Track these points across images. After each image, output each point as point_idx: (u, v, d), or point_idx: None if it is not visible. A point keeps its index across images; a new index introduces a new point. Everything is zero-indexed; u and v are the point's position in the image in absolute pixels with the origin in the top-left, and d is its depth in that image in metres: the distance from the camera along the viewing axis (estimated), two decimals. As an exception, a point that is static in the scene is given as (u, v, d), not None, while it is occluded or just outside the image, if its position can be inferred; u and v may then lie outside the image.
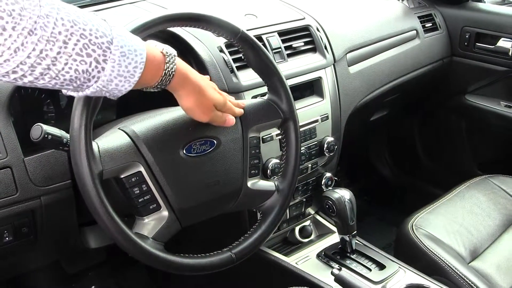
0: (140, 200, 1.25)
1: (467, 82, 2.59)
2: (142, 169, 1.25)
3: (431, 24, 2.49)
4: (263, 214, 1.43)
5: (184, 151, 1.30)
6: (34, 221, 1.48)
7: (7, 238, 1.45)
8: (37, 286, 2.15)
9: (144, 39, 1.16)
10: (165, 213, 1.28)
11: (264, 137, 1.68)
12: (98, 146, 1.20)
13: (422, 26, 2.44)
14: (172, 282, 2.27)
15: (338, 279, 1.53)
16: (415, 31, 2.40)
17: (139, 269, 2.36)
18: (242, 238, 1.38)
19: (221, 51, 1.69)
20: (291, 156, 1.46)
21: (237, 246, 1.36)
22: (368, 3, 2.39)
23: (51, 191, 1.45)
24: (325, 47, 1.95)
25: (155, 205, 1.27)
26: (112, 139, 1.25)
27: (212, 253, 1.32)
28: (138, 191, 1.25)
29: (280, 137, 1.57)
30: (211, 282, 2.08)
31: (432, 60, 2.49)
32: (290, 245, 1.94)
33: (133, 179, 1.24)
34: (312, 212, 2.01)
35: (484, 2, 2.59)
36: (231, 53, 1.70)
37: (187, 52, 1.66)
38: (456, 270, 1.71)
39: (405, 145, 2.97)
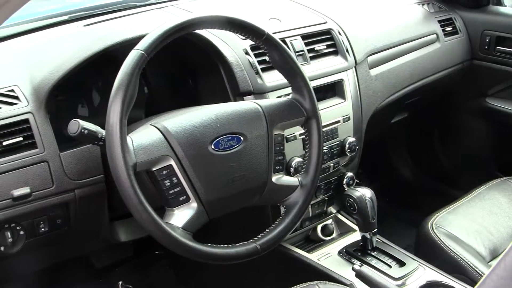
0: (170, 192, 1.32)
1: (487, 85, 2.61)
2: (172, 162, 1.32)
3: (451, 28, 2.51)
4: (286, 208, 1.49)
5: (212, 146, 1.37)
6: (68, 213, 1.55)
7: (43, 229, 1.53)
8: (66, 279, 2.22)
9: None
10: (194, 204, 1.34)
11: (287, 136, 1.73)
12: (132, 140, 1.27)
13: (442, 30, 2.47)
14: (195, 278, 2.32)
15: (359, 275, 1.57)
16: (435, 35, 2.43)
17: (164, 265, 2.42)
18: (267, 230, 1.44)
19: (247, 53, 1.76)
20: (314, 152, 1.51)
21: (262, 238, 1.41)
22: (389, 7, 2.43)
23: (84, 185, 1.53)
24: (347, 50, 2.00)
25: (184, 197, 1.34)
26: (145, 134, 1.33)
27: (238, 244, 1.38)
28: (168, 184, 1.32)
29: (303, 136, 1.64)
30: (234, 277, 2.13)
31: (452, 63, 2.51)
32: (312, 242, 1.99)
33: (164, 172, 1.31)
34: (334, 211, 2.05)
35: (505, 6, 2.61)
36: (256, 55, 1.76)
37: (214, 55, 1.73)
38: (476, 268, 1.74)
39: (426, 147, 2.99)
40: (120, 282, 2.30)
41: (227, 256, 1.36)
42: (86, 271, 2.29)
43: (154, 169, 1.31)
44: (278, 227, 1.45)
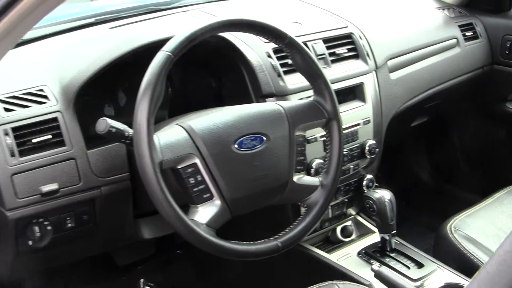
0: (194, 189, 1.36)
1: (508, 89, 2.62)
2: (197, 161, 1.36)
3: (471, 33, 2.52)
4: (307, 207, 1.52)
5: (236, 146, 1.41)
6: (94, 210, 1.60)
7: (69, 225, 1.58)
8: (89, 276, 2.28)
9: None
10: (217, 202, 1.38)
11: (308, 138, 1.76)
12: (158, 138, 1.32)
13: (463, 34, 2.48)
14: (216, 277, 2.37)
15: (378, 275, 1.59)
16: (455, 40, 2.44)
17: (185, 265, 2.46)
18: (287, 228, 1.47)
19: (269, 56, 1.79)
20: (335, 153, 1.54)
21: (282, 236, 1.45)
22: (409, 12, 2.46)
23: (110, 182, 1.58)
24: (367, 54, 2.03)
25: (208, 194, 1.38)
26: (171, 133, 1.38)
27: (259, 241, 1.42)
28: (193, 181, 1.36)
29: (324, 138, 1.67)
30: (254, 276, 2.16)
31: (473, 68, 2.52)
32: (332, 244, 2.02)
33: (189, 170, 1.35)
34: (354, 213, 2.08)
35: (526, 11, 2.62)
36: (278, 58, 1.80)
37: (237, 57, 1.77)
38: (494, 272, 1.75)
39: (445, 151, 3.00)
40: (142, 280, 2.34)
41: (249, 252, 1.39)
42: (108, 269, 2.33)
43: (179, 167, 1.35)
44: (299, 225, 1.48)
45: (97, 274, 2.32)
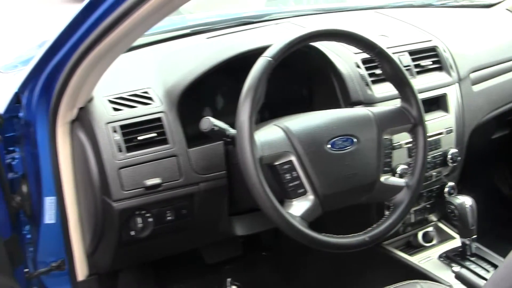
0: (290, 185, 1.47)
1: None
2: (293, 158, 1.47)
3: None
4: (393, 206, 1.61)
5: (329, 146, 1.52)
6: (192, 205, 1.72)
7: (169, 218, 1.70)
8: (179, 273, 2.40)
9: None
10: (311, 197, 1.49)
11: (394, 144, 1.85)
12: (258, 137, 1.44)
13: (547, 49, 2.50)
14: (299, 279, 2.44)
15: (459, 277, 1.67)
16: (539, 54, 2.47)
17: (270, 266, 2.55)
18: (375, 225, 1.57)
19: (358, 66, 1.90)
20: (420, 157, 1.63)
21: (370, 231, 1.54)
22: (491, 26, 2.52)
23: (208, 179, 1.70)
24: (451, 67, 2.11)
25: (302, 189, 1.48)
26: (269, 132, 1.50)
27: (349, 235, 1.51)
28: (289, 177, 1.47)
29: (409, 145, 1.75)
30: (336, 277, 2.25)
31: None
32: (413, 248, 2.09)
33: (285, 167, 1.46)
34: (435, 219, 2.15)
35: None
36: (366, 69, 1.91)
37: (328, 67, 1.88)
38: None
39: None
40: (229, 279, 2.45)
41: (339, 245, 1.49)
42: (197, 267, 2.44)
43: (276, 163, 1.46)
44: (385, 222, 1.57)
45: (186, 272, 2.44)
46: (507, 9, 2.70)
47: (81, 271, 1.88)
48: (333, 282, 2.28)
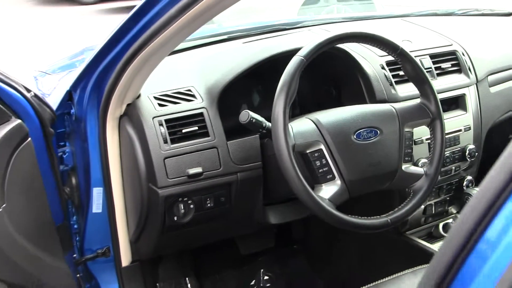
0: (320, 171, 1.62)
1: None
2: (322, 147, 1.63)
3: None
4: (413, 192, 1.75)
5: (355, 136, 1.67)
6: (230, 193, 1.86)
7: (209, 205, 1.84)
8: (215, 262, 2.54)
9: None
10: (338, 182, 1.64)
11: (415, 140, 1.99)
12: (291, 127, 1.59)
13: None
14: (328, 270, 2.57)
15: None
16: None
17: (301, 259, 2.68)
18: (396, 209, 1.71)
19: (383, 68, 2.05)
20: (437, 148, 1.77)
21: (392, 214, 1.69)
22: (509, 33, 2.65)
23: (245, 169, 1.84)
24: (469, 69, 2.25)
25: (331, 175, 1.63)
26: (302, 124, 1.65)
27: (372, 217, 1.66)
28: (318, 164, 1.62)
29: (429, 141, 1.89)
30: (364, 264, 2.37)
31: None
32: (434, 238, 2.22)
33: (315, 154, 1.62)
34: (455, 211, 2.27)
35: None
36: (390, 70, 2.06)
37: (355, 68, 2.03)
38: None
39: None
40: (262, 270, 2.59)
41: (364, 225, 1.63)
42: (232, 258, 2.58)
43: (308, 151, 1.62)
44: (405, 206, 1.71)
45: (221, 262, 2.58)
46: (524, 17, 2.83)
47: (125, 257, 2.03)
48: (359, 271, 2.41)
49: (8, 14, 11.46)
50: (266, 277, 2.59)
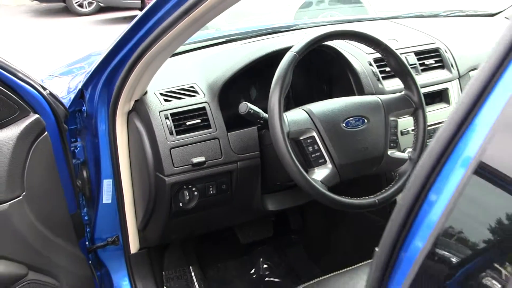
0: (312, 155, 1.76)
1: None
2: (314, 134, 1.77)
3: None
4: (398, 175, 1.89)
5: (344, 124, 1.81)
6: (231, 181, 1.99)
7: (211, 192, 1.97)
8: (216, 252, 2.68)
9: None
10: (329, 166, 1.78)
11: (402, 130, 2.14)
12: (286, 116, 1.73)
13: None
14: (325, 259, 2.69)
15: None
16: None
17: (298, 248, 2.80)
18: (383, 190, 1.85)
19: (370, 64, 2.21)
20: (420, 135, 1.91)
21: (379, 195, 1.82)
22: (492, 32, 2.79)
23: (245, 158, 1.98)
24: (452, 65, 2.39)
25: (323, 160, 1.78)
26: (296, 113, 1.80)
27: (361, 198, 1.80)
28: (311, 149, 1.76)
29: (415, 131, 2.03)
30: (358, 252, 2.49)
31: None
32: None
33: (308, 141, 1.76)
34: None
35: None
36: (378, 66, 2.21)
37: (345, 65, 2.18)
38: None
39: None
40: (261, 259, 2.72)
41: (353, 205, 1.76)
42: (232, 248, 2.71)
43: (301, 138, 1.76)
44: (392, 188, 1.85)
45: (223, 252, 2.71)
46: (505, 18, 2.98)
47: (134, 245, 2.15)
48: (353, 258, 2.53)
49: (6, 26, 11.60)
50: (265, 266, 2.73)
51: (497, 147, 0.74)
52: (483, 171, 0.74)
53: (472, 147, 0.76)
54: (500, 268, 0.72)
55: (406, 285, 0.81)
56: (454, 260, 0.78)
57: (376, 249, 0.88)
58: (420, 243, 0.81)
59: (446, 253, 0.78)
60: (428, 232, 0.79)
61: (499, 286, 0.72)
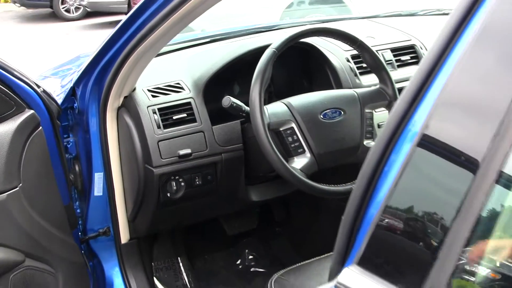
0: (292, 145, 1.86)
1: None
2: (294, 125, 1.87)
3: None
4: None
5: (321, 116, 1.92)
6: (216, 172, 2.08)
7: (197, 182, 2.05)
8: (203, 244, 2.76)
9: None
10: (308, 155, 1.87)
11: (380, 123, 2.20)
12: (267, 109, 1.84)
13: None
14: (309, 250, 2.73)
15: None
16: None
17: (283, 240, 2.88)
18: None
19: (348, 60, 2.31)
20: None
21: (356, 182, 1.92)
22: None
23: (229, 150, 2.07)
24: (427, 61, 2.50)
25: (301, 149, 1.87)
26: (275, 106, 1.90)
27: (339, 185, 1.89)
28: (291, 139, 1.86)
29: None
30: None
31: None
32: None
33: (288, 132, 1.86)
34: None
35: None
36: (355, 63, 2.31)
37: (323, 61, 2.28)
38: None
39: None
40: (246, 251, 2.80)
41: (330, 191, 1.85)
42: (219, 239, 2.79)
43: (281, 129, 1.85)
44: None
45: (210, 244, 2.80)
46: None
47: (124, 235, 2.22)
48: (334, 245, 2.62)
49: (-6, 32, 11.63)
50: (250, 257, 2.81)
51: (437, 121, 0.84)
52: (426, 142, 0.84)
53: (418, 123, 0.87)
54: (437, 229, 0.83)
55: (364, 244, 0.91)
56: (399, 225, 0.88)
57: (342, 217, 0.98)
58: (374, 210, 0.91)
59: (393, 218, 0.89)
60: (380, 201, 0.90)
61: (435, 244, 0.82)
